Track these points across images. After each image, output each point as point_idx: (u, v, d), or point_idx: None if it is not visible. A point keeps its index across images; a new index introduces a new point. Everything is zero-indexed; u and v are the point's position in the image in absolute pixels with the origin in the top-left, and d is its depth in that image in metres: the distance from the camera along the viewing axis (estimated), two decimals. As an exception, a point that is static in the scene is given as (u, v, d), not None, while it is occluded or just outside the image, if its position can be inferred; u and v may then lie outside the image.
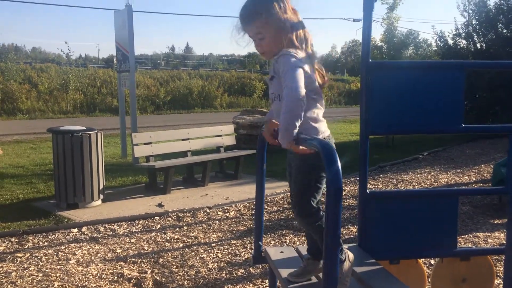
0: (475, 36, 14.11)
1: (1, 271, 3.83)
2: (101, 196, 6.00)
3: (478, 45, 14.07)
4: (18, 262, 4.05)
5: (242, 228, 5.02)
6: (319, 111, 2.09)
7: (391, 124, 2.64)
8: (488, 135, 11.84)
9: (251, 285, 3.59)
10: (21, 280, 3.66)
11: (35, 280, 3.66)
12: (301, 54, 1.98)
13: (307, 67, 1.97)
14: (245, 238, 4.69)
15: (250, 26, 2.03)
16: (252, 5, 2.03)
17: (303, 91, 1.84)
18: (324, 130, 2.09)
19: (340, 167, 1.56)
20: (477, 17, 13.99)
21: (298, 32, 2.03)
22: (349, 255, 2.15)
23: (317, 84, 2.06)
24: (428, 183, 7.28)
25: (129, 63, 9.06)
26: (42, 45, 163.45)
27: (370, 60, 2.58)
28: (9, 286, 3.56)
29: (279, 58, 1.97)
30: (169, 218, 5.37)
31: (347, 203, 6.02)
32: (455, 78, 2.62)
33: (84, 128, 5.96)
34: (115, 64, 10.29)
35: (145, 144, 6.91)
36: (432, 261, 3.91)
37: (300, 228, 4.72)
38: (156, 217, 5.39)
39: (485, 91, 12.73)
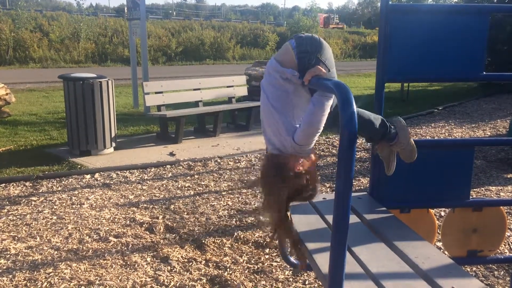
0: (500, -14, 13.48)
1: (16, 214, 3.92)
2: (113, 144, 6.04)
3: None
4: (32, 205, 4.13)
5: (253, 178, 5.04)
6: None
7: (409, 71, 2.53)
8: (506, 89, 11.54)
9: (261, 232, 3.63)
10: (36, 223, 3.74)
11: (49, 223, 3.75)
12: None
13: None
14: (255, 188, 4.71)
15: None
16: None
17: None
18: None
19: (355, 110, 1.50)
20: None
21: None
22: (399, 123, 2.30)
23: None
24: (442, 137, 7.18)
25: (140, 10, 8.85)
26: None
27: (390, 2, 2.45)
28: (24, 227, 3.65)
29: None
30: (180, 167, 5.40)
31: (358, 156, 5.99)
32: (478, 22, 2.49)
33: (95, 75, 5.91)
34: (126, 12, 10.05)
35: (156, 93, 6.87)
36: (442, 213, 3.91)
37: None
38: (167, 166, 5.43)
39: (505, 44, 12.30)
